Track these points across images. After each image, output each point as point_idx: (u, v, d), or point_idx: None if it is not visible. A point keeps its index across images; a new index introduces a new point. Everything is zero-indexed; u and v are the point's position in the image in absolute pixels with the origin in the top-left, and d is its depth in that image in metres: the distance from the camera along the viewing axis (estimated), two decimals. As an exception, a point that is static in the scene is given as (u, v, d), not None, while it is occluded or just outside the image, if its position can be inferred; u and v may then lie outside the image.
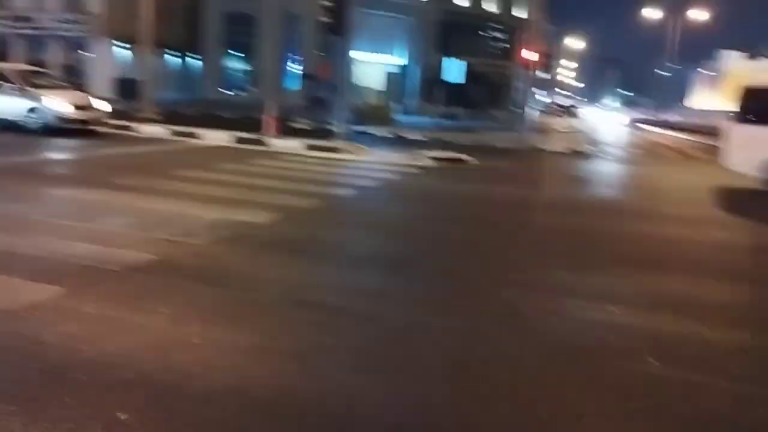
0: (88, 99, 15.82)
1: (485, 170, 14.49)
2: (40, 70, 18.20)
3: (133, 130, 16.64)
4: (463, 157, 15.58)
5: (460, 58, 39.00)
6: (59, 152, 12.43)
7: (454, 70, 39.06)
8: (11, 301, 4.22)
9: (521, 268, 6.08)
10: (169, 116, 19.26)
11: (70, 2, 31.45)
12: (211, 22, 37.30)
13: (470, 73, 38.96)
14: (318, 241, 6.88)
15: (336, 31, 16.32)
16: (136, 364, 3.39)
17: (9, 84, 14.41)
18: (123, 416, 2.87)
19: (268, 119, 16.92)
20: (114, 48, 31.38)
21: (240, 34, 36.92)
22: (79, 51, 31.87)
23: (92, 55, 31.61)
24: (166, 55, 33.47)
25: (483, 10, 41.83)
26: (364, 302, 4.78)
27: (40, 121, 14.15)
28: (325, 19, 16.50)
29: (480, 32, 40.92)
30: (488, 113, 37.21)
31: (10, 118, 14.34)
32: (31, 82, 14.98)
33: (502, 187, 12.07)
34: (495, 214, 9.21)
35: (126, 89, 26.34)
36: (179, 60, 38.71)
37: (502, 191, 11.44)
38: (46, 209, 7.24)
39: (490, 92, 39.97)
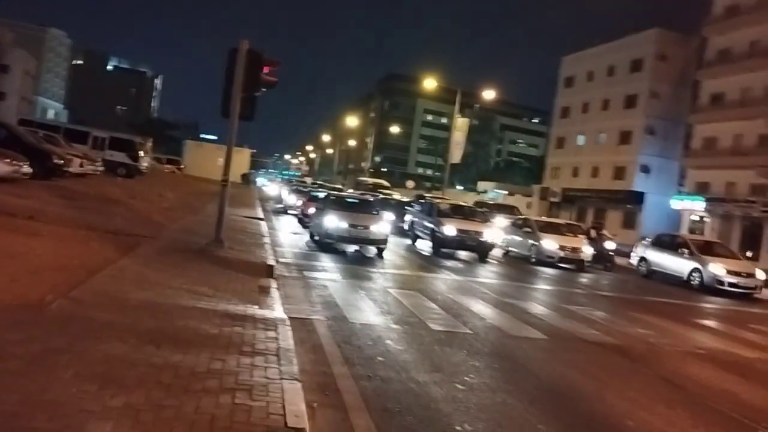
0: (750, 266, 18.47)
1: None
2: (716, 242, 22.08)
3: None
4: None
5: None
6: (693, 301, 15.57)
7: None
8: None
9: None
10: None
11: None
12: None
13: None
14: None
15: None
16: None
17: (685, 249, 18.65)
18: None
19: None
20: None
21: None
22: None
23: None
24: None
25: None
26: None
27: (698, 280, 17.88)
28: None
29: None
30: None
31: (675, 274, 18.72)
32: (705, 250, 18.76)
33: None
34: None
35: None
36: None
37: None
38: (639, 326, 10.51)
39: None
